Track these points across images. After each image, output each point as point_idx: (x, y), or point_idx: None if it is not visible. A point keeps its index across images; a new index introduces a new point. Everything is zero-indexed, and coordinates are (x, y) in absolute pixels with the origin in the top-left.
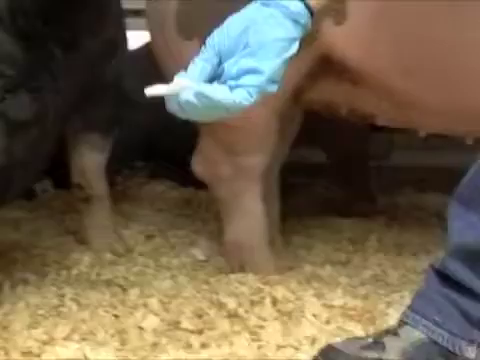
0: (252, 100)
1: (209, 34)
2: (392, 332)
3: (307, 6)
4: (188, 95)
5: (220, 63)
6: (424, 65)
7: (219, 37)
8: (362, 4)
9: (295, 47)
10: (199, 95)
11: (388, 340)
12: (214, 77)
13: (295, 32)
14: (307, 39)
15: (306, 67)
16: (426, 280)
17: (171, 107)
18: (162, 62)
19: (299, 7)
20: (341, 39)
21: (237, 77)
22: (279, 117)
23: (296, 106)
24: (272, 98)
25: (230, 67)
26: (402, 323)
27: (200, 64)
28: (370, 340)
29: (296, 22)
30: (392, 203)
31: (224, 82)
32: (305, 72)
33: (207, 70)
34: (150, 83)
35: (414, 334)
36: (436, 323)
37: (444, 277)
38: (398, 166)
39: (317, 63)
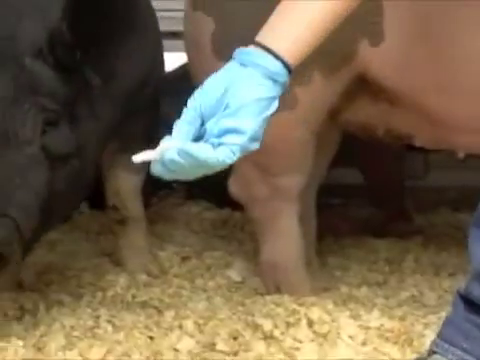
0: (234, 158)
1: None
2: None
3: (285, 64)
4: (172, 154)
5: (203, 124)
6: (460, 84)
7: (200, 99)
8: (398, 25)
9: (275, 105)
10: (183, 153)
11: None
12: (198, 137)
13: (274, 91)
14: (344, 60)
15: (343, 87)
16: (453, 306)
17: (155, 169)
18: (199, 83)
19: (277, 67)
20: (377, 59)
21: (219, 136)
22: (316, 138)
23: (333, 126)
24: (309, 118)
25: (212, 127)
26: (431, 352)
27: (184, 127)
28: None
29: (275, 81)
30: (428, 223)
31: (207, 141)
32: (342, 92)
33: (191, 132)
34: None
35: None
36: (464, 350)
37: (469, 303)
38: (434, 186)
39: (353, 83)
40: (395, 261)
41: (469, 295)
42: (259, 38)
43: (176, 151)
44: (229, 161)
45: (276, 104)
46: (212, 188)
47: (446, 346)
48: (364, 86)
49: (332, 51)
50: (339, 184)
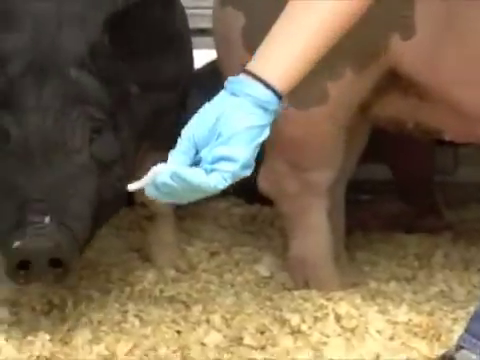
0: (226, 184)
1: None
2: (449, 357)
3: (276, 93)
4: (165, 177)
5: (197, 153)
6: None
7: (193, 128)
8: (429, 19)
9: (266, 133)
10: (175, 177)
11: None
12: (193, 166)
13: (265, 119)
14: (374, 54)
15: (373, 82)
16: None
17: (149, 192)
18: (227, 75)
19: (268, 96)
20: (408, 54)
21: (212, 163)
22: (346, 132)
23: (363, 121)
24: (339, 113)
25: (206, 155)
26: (459, 347)
27: (179, 156)
28: None
29: (265, 109)
30: (458, 218)
31: (201, 168)
32: (372, 87)
33: (186, 162)
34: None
35: (471, 358)
36: None
37: None
38: (464, 181)
39: (384, 78)
40: (424, 256)
41: None
42: (250, 66)
43: (169, 174)
44: (221, 187)
45: (267, 131)
46: (241, 183)
47: (474, 341)
48: (394, 80)
49: (363, 46)
50: (368, 180)
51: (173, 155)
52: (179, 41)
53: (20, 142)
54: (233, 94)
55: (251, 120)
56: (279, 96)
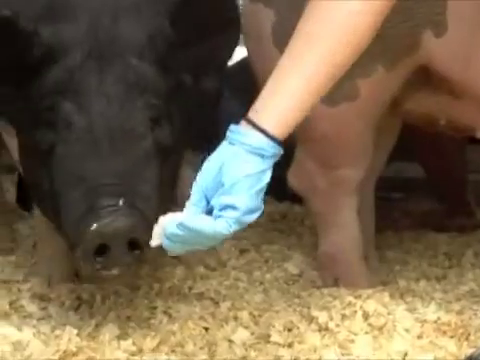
0: (231, 230)
1: None
2: (475, 358)
3: (271, 137)
4: (172, 228)
5: (208, 203)
6: None
7: (201, 180)
8: (462, 15)
9: (267, 177)
10: (181, 227)
11: None
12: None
13: (263, 165)
14: (406, 51)
15: (404, 79)
16: None
17: (164, 245)
18: (259, 75)
19: (262, 142)
20: (440, 51)
21: (220, 210)
22: (376, 130)
23: (393, 118)
24: (369, 110)
25: (215, 204)
26: None
27: (191, 208)
28: None
29: (262, 156)
30: None
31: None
32: (403, 84)
33: (197, 213)
34: (244, 99)
35: None
36: None
37: None
38: None
39: (416, 75)
40: (455, 256)
41: None
42: (250, 112)
43: (175, 225)
44: (226, 232)
45: (268, 176)
46: (271, 181)
47: None
48: (426, 77)
49: (395, 43)
50: (400, 178)
51: (187, 207)
52: (234, 26)
53: (84, 129)
54: (231, 143)
55: (247, 168)
56: (276, 140)
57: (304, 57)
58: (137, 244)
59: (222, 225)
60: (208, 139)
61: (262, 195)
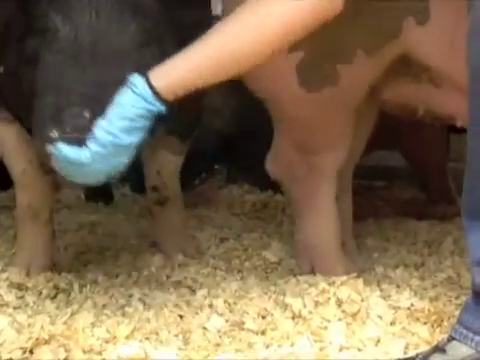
0: (89, 153)
1: None
2: (440, 349)
3: (155, 91)
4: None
5: None
6: None
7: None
8: (445, 3)
9: (143, 123)
10: (56, 148)
11: (435, 357)
12: None
13: (139, 110)
14: (387, 38)
15: (385, 65)
16: (473, 292)
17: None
18: None
19: (145, 90)
20: (422, 39)
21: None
22: (355, 116)
23: (372, 105)
24: (349, 96)
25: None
26: (450, 338)
27: None
28: (419, 358)
29: (144, 99)
30: None
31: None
32: (384, 70)
33: None
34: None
35: (462, 350)
36: None
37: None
38: None
39: (397, 62)
40: (434, 243)
41: (476, 288)
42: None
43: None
44: (84, 155)
45: (144, 122)
46: (254, 170)
47: (465, 332)
48: (407, 65)
49: (377, 30)
50: (381, 166)
51: None
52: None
53: (69, 40)
54: (127, 86)
55: (125, 104)
56: (161, 98)
57: (214, 39)
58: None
59: (83, 150)
60: (192, 127)
61: (127, 126)
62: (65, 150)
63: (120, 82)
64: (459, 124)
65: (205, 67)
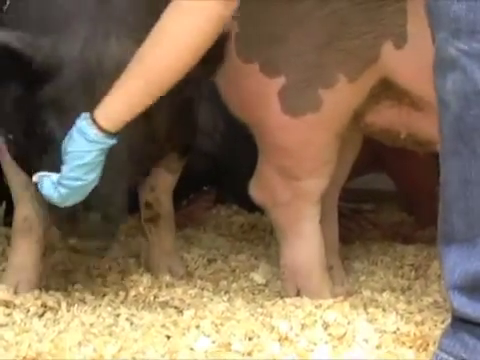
0: (56, 193)
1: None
2: None
3: (98, 126)
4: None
5: None
6: None
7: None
8: (422, 27)
9: (91, 156)
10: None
11: None
12: None
13: (86, 146)
14: (367, 62)
15: (366, 90)
16: (452, 317)
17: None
18: (222, 85)
19: (88, 128)
20: (400, 63)
21: None
22: (339, 141)
23: (357, 130)
24: (332, 121)
25: None
26: None
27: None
28: None
29: (86, 139)
30: None
31: None
32: (366, 95)
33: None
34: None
35: None
36: None
37: (459, 319)
38: None
39: (378, 86)
40: (421, 267)
41: (455, 312)
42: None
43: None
44: (50, 193)
45: (93, 155)
46: (242, 192)
47: (446, 357)
48: (388, 89)
49: (357, 54)
50: (369, 189)
51: None
52: None
53: None
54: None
55: (74, 145)
56: (105, 130)
57: (138, 66)
58: None
59: (48, 187)
60: (188, 146)
61: (88, 169)
62: (42, 188)
63: None
64: (438, 150)
65: (138, 95)
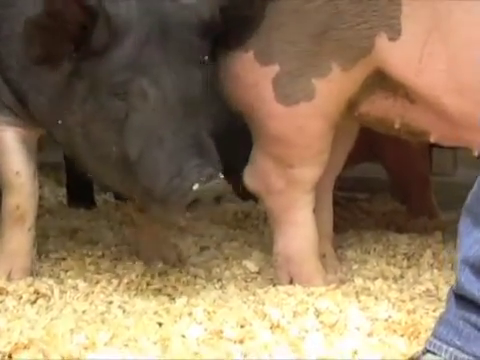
0: None
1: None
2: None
3: None
4: None
5: None
6: (475, 83)
7: None
8: (416, 19)
9: None
10: None
11: None
12: None
13: None
14: (361, 53)
15: (360, 80)
16: (447, 305)
17: None
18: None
19: None
20: (394, 55)
21: None
22: (334, 130)
23: (351, 119)
24: (326, 110)
25: None
26: (425, 351)
27: None
28: None
29: None
30: (452, 219)
31: None
32: (360, 85)
33: None
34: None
35: None
36: (458, 347)
37: (461, 297)
38: (463, 182)
39: (372, 77)
40: (414, 256)
41: (460, 290)
42: None
43: None
44: None
45: None
46: (236, 180)
47: (439, 344)
48: (382, 80)
49: (350, 44)
50: (363, 178)
51: None
52: None
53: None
54: None
55: None
56: None
57: None
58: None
59: None
60: None
61: None
62: None
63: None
64: (432, 140)
65: None
